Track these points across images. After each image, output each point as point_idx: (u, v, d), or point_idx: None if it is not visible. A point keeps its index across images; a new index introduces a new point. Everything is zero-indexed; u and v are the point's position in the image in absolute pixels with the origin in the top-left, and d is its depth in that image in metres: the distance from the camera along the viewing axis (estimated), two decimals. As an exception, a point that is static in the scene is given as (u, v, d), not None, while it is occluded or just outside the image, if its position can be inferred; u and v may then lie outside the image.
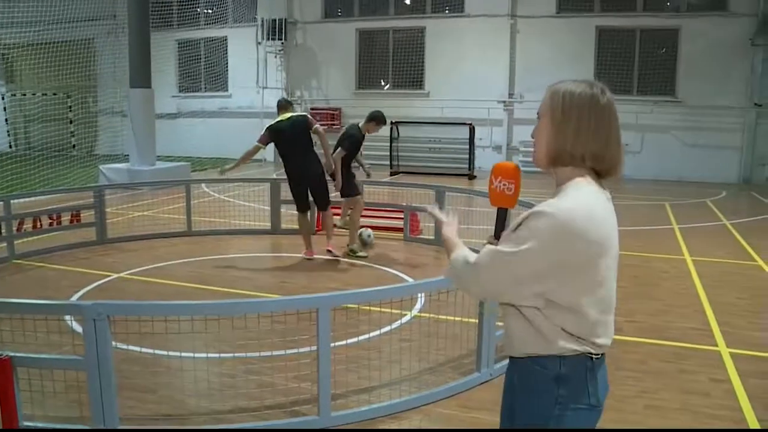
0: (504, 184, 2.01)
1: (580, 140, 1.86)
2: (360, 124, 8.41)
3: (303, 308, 3.99)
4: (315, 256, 8.09)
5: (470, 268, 1.89)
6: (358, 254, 8.23)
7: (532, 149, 2.00)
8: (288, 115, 7.82)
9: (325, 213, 8.21)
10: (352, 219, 8.51)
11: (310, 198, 8.07)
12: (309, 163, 7.82)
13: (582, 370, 1.85)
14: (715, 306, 6.28)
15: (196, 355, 4.62)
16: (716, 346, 5.27)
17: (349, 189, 8.39)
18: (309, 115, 8.04)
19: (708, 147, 17.45)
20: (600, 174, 1.91)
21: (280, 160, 7.94)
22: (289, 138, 7.67)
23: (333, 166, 7.97)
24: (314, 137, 7.83)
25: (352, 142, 8.27)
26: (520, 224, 1.81)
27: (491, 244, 1.95)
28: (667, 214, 11.73)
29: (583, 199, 1.81)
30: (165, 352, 4.76)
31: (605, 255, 1.81)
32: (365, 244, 8.30)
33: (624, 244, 8.12)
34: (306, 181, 7.86)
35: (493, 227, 2.05)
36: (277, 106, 8.04)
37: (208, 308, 3.88)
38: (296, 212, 8.17)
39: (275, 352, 4.43)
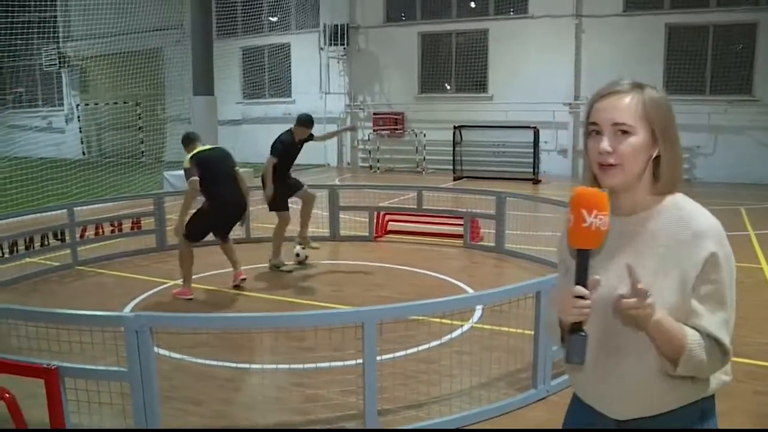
0: (600, 219, 1.54)
1: (681, 153, 1.71)
2: (292, 128, 7.91)
3: (348, 322, 3.86)
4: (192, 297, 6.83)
5: (721, 351, 1.61)
6: (281, 269, 7.87)
7: (610, 164, 1.62)
8: (208, 146, 7.19)
9: (228, 243, 7.21)
10: (276, 234, 7.98)
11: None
12: (239, 190, 7.06)
13: (713, 401, 1.74)
14: (795, 319, 5.86)
15: (239, 365, 4.55)
16: (797, 364, 4.89)
17: (279, 203, 7.88)
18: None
19: (788, 148, 16.58)
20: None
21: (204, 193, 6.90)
22: (221, 165, 6.92)
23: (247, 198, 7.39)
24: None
25: (279, 146, 7.75)
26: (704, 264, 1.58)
27: (581, 297, 1.56)
28: (742, 219, 11.13)
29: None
30: (211, 362, 4.70)
31: None
32: (300, 262, 8.10)
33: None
34: (241, 209, 7.11)
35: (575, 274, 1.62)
36: (188, 139, 7.16)
37: (250, 321, 3.80)
38: (188, 244, 6.84)
39: (321, 365, 4.31)
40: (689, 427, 1.68)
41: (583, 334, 1.58)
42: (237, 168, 7.17)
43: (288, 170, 7.96)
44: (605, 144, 1.61)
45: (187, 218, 6.81)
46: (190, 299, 6.66)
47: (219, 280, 7.35)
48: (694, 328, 1.59)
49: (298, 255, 8.16)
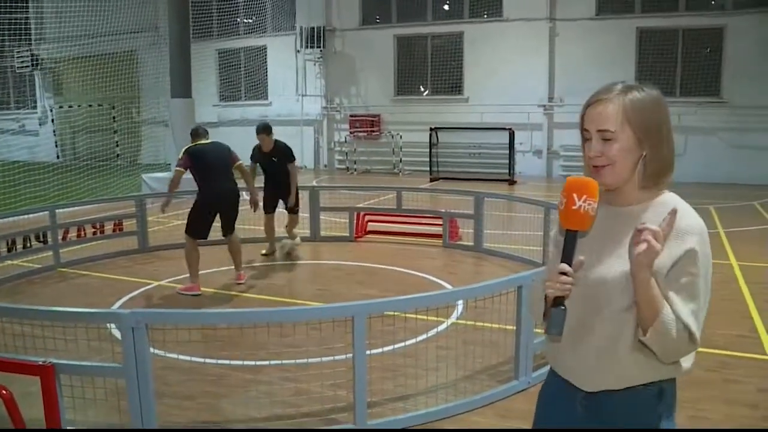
0: (589, 204, 1.73)
1: (671, 149, 1.81)
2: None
3: (339, 316, 3.99)
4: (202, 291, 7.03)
5: (689, 337, 1.72)
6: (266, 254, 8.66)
7: (600, 166, 1.78)
8: (207, 141, 7.31)
9: (233, 237, 7.40)
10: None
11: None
12: (231, 183, 7.26)
13: (674, 384, 1.86)
14: (763, 312, 6.09)
15: (233, 362, 4.66)
16: (765, 354, 5.11)
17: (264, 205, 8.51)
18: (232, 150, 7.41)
19: (756, 148, 16.96)
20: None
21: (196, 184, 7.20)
22: (213, 160, 7.10)
23: (257, 200, 7.82)
24: (236, 173, 7.39)
25: (252, 154, 8.60)
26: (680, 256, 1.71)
27: (564, 273, 1.74)
28: (712, 217, 11.45)
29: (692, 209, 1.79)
30: (203, 360, 4.80)
31: None
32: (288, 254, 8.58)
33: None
34: (226, 201, 7.17)
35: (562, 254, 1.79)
36: (195, 133, 7.42)
37: (245, 316, 3.91)
38: (191, 240, 7.07)
39: (312, 360, 4.43)
40: (647, 403, 1.82)
41: (563, 308, 1.75)
42: (240, 163, 7.41)
43: (269, 180, 8.56)
44: (593, 150, 1.79)
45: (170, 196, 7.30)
46: (198, 295, 6.84)
47: (202, 280, 7.42)
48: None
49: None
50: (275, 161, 8.41)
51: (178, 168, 7.12)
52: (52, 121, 24.65)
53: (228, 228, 7.30)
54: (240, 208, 7.38)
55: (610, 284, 1.77)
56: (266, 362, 4.63)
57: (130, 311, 3.64)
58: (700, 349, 4.98)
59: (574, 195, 1.73)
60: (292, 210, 8.60)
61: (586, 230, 1.79)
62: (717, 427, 3.91)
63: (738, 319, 5.89)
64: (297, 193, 8.58)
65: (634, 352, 1.77)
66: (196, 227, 7.07)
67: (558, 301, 1.75)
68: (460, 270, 8.05)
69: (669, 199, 1.83)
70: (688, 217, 1.75)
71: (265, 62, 22.71)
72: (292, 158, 8.49)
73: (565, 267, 1.75)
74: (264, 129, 8.38)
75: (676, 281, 1.72)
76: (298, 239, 8.83)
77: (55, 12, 20.93)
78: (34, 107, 25.82)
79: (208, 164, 7.04)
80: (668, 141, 1.80)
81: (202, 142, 7.26)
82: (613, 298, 1.77)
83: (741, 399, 4.29)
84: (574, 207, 1.72)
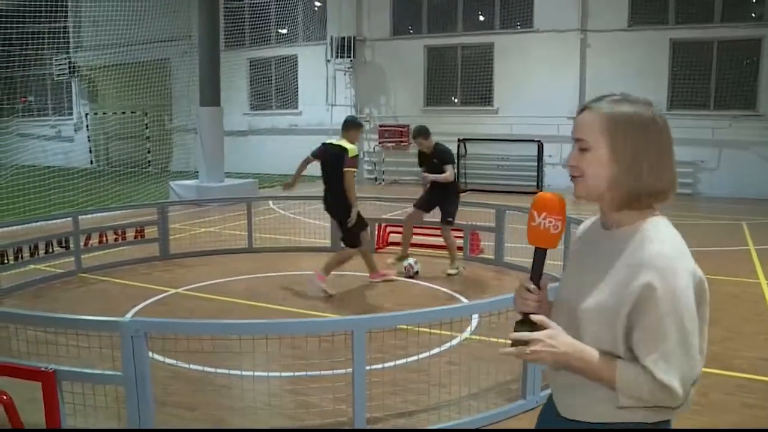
0: (550, 222, 1.67)
1: (655, 175, 1.61)
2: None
3: (338, 330, 3.93)
4: (379, 279, 7.70)
5: (661, 388, 1.52)
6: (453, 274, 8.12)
7: (574, 176, 1.69)
8: (336, 139, 7.29)
9: (351, 252, 7.45)
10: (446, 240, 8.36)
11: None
12: (328, 189, 7.26)
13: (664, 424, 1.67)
14: (789, 334, 5.89)
15: (231, 371, 4.62)
16: (787, 378, 4.92)
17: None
18: (347, 154, 6.99)
19: (792, 163, 16.59)
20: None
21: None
22: (323, 161, 7.22)
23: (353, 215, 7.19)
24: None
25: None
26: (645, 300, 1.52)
27: (528, 290, 1.72)
28: (743, 234, 11.17)
29: (678, 241, 1.59)
30: (201, 368, 4.77)
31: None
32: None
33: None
34: (327, 208, 7.45)
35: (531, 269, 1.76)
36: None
37: (240, 328, 3.89)
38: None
39: (311, 372, 4.38)
40: None
41: (532, 324, 1.68)
42: (345, 170, 7.00)
43: (431, 185, 8.27)
44: (569, 159, 1.70)
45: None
46: (330, 294, 7.08)
47: (219, 289, 7.44)
48: (638, 358, 1.56)
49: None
50: (435, 163, 8.10)
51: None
52: (87, 127, 25.15)
53: (343, 236, 7.44)
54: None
55: (584, 314, 1.64)
56: (265, 374, 4.58)
57: (130, 320, 3.64)
58: (719, 372, 4.86)
59: (534, 212, 1.70)
60: (446, 216, 8.18)
61: (553, 247, 1.72)
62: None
63: (762, 342, 5.67)
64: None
65: (603, 388, 1.61)
66: None
67: (525, 317, 1.71)
68: (479, 284, 7.94)
69: (651, 224, 1.63)
70: (652, 246, 1.57)
71: (296, 71, 22.84)
72: (450, 161, 8.15)
73: (527, 284, 1.73)
74: (423, 131, 8.08)
75: (639, 323, 1.55)
76: (460, 267, 8.34)
77: (93, 21, 21.38)
78: (70, 114, 26.35)
79: (322, 167, 7.22)
80: (652, 169, 1.61)
81: (328, 140, 7.34)
82: (588, 329, 1.64)
83: (758, 424, 4.13)
84: (533, 223, 1.70)
